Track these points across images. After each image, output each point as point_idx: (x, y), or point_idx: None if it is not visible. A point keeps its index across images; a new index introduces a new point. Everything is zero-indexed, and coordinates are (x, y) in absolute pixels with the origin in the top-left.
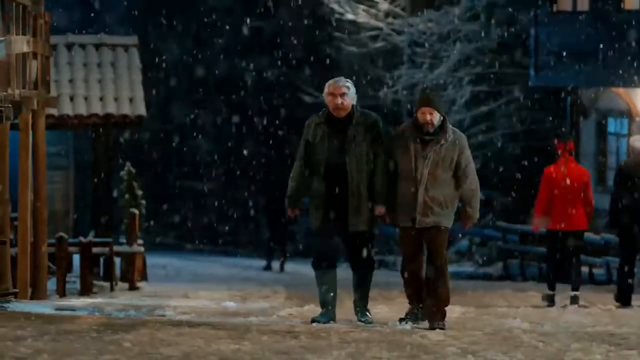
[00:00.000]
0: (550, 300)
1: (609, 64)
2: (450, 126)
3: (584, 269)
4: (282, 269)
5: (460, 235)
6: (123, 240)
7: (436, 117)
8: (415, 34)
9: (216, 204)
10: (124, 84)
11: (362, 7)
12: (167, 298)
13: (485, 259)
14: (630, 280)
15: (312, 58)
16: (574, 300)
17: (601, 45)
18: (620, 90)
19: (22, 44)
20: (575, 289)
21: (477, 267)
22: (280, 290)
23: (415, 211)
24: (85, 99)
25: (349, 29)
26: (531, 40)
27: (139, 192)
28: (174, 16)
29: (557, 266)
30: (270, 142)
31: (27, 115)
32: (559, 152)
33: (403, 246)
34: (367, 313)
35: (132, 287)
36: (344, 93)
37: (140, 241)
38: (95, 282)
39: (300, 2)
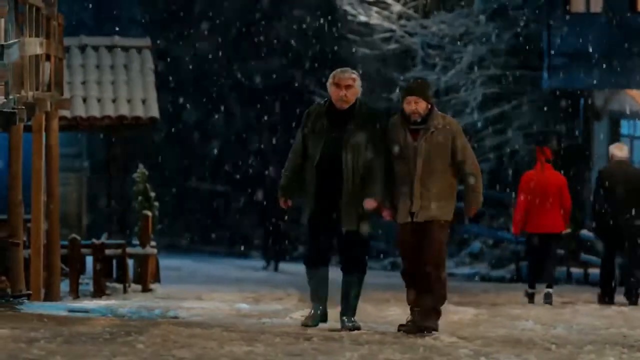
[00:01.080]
0: (531, 298)
1: (623, 66)
2: (440, 113)
3: (597, 271)
4: (276, 268)
5: (466, 235)
6: (136, 242)
7: (422, 106)
8: (428, 36)
9: (230, 205)
10: (137, 86)
11: (375, 9)
12: (180, 300)
13: (497, 261)
14: (612, 283)
15: (324, 60)
16: (547, 297)
17: (615, 47)
18: (634, 92)
19: (35, 45)
20: (549, 286)
21: (490, 269)
22: (293, 292)
23: (412, 205)
24: (98, 100)
25: (362, 31)
26: (544, 41)
27: (152, 194)
28: (187, 17)
29: (536, 266)
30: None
31: (41, 117)
32: (537, 158)
33: (402, 246)
34: (354, 318)
35: (145, 289)
36: (349, 85)
37: (153, 243)
38: (108, 283)
39: (313, 4)
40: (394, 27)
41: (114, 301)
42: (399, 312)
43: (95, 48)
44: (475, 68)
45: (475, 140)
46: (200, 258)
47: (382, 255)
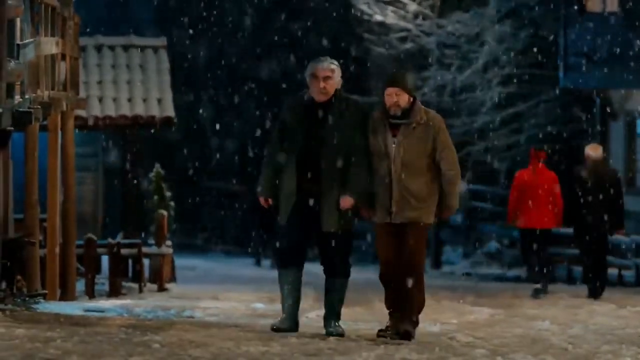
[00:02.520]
0: (537, 293)
1: (639, 65)
2: (423, 107)
3: (613, 271)
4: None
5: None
6: (152, 241)
7: (404, 99)
8: (444, 36)
9: (245, 205)
10: (153, 86)
11: (390, 8)
12: (196, 299)
13: (513, 260)
14: (597, 282)
15: (340, 59)
16: (537, 292)
17: (631, 46)
18: None
19: (51, 45)
20: (537, 282)
21: (506, 269)
22: (308, 292)
23: (391, 205)
24: (114, 100)
25: (378, 30)
26: (560, 41)
27: (168, 194)
28: (202, 17)
29: (534, 260)
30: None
31: (56, 117)
32: (531, 160)
33: (380, 247)
34: (339, 324)
35: (161, 289)
36: (328, 76)
37: (169, 242)
38: (123, 283)
39: (328, 3)
40: (409, 26)
41: (130, 301)
42: None
43: (111, 47)
44: (492, 68)
45: (491, 140)
46: (216, 257)
47: None
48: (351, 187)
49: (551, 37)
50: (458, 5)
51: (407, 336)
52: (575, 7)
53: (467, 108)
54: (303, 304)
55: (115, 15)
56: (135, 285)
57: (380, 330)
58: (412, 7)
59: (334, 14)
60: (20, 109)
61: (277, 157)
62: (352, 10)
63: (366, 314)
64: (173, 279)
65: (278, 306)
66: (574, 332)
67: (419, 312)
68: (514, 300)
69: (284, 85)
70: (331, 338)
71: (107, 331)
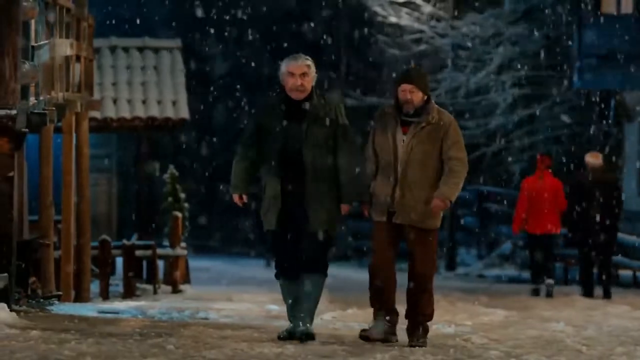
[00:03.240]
0: (536, 293)
1: None
2: (437, 107)
3: (628, 273)
4: None
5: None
6: (166, 243)
7: (418, 96)
8: (459, 37)
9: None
10: (167, 87)
11: (405, 10)
12: (210, 301)
13: (527, 262)
14: (592, 283)
15: (355, 61)
16: (550, 287)
17: None
18: None
19: (65, 47)
20: (550, 277)
21: (520, 270)
22: (323, 293)
23: (392, 205)
24: (129, 102)
25: (392, 31)
26: (575, 42)
27: (182, 195)
28: (217, 19)
29: (537, 263)
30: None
31: (71, 118)
32: (538, 166)
33: (375, 241)
34: (309, 325)
35: (175, 290)
36: (305, 73)
37: (183, 244)
38: (138, 285)
39: (343, 5)
40: (424, 28)
41: (144, 302)
42: None
43: (126, 49)
44: (506, 69)
45: (506, 142)
46: (230, 259)
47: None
48: (347, 193)
49: (565, 39)
50: (472, 6)
51: (422, 344)
52: (590, 9)
53: (481, 110)
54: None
55: (130, 17)
56: (149, 287)
57: (362, 330)
58: (427, 8)
59: (349, 16)
60: (35, 111)
61: (248, 154)
62: (367, 12)
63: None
64: (187, 280)
65: None
66: (588, 333)
67: (429, 320)
68: (529, 302)
69: None
70: (345, 340)
71: (122, 332)
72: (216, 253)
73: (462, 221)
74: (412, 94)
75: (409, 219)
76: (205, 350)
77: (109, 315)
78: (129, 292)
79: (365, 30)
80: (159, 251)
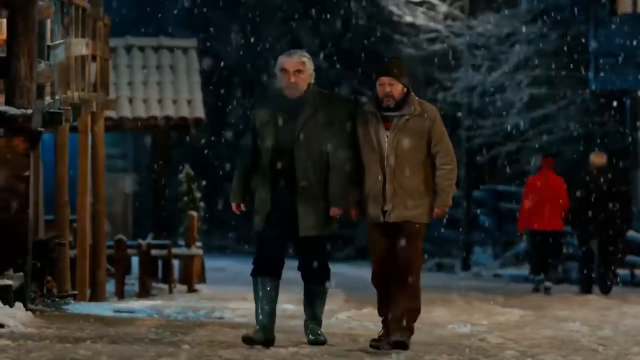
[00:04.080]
0: (538, 286)
1: None
2: (417, 98)
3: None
4: None
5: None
6: (181, 242)
7: (398, 89)
8: (474, 37)
9: None
10: (183, 87)
11: (420, 9)
12: (226, 300)
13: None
14: (590, 280)
15: (370, 60)
16: (547, 290)
17: None
18: None
19: (81, 46)
20: (549, 279)
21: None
22: (338, 292)
23: (384, 203)
24: (144, 101)
25: (408, 31)
26: (591, 42)
27: (198, 195)
28: (233, 18)
29: (539, 259)
30: None
31: (87, 118)
32: (542, 166)
33: (372, 249)
34: (320, 332)
35: (191, 290)
36: (299, 70)
37: (198, 243)
38: (153, 284)
39: (359, 4)
40: (439, 27)
41: (160, 302)
42: (444, 313)
43: (141, 48)
44: (522, 69)
45: (521, 141)
46: (245, 259)
47: (426, 256)
48: (338, 195)
49: (582, 39)
50: (488, 6)
51: (401, 346)
52: (606, 9)
53: (496, 109)
54: (332, 305)
55: (146, 16)
56: (165, 286)
57: (373, 340)
58: (443, 8)
59: (364, 14)
60: (51, 110)
61: (247, 161)
62: (382, 11)
63: None
64: (203, 280)
65: None
66: (604, 333)
67: (414, 320)
68: (544, 302)
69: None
70: (360, 339)
71: (137, 332)
72: (231, 253)
73: (477, 221)
74: (391, 87)
75: (402, 215)
76: (220, 350)
77: (124, 315)
78: (144, 292)
79: (381, 29)
80: (175, 250)
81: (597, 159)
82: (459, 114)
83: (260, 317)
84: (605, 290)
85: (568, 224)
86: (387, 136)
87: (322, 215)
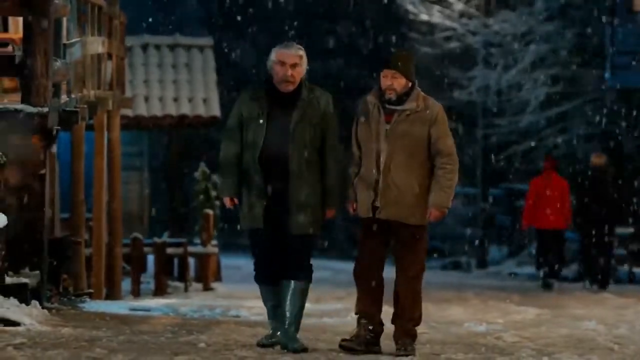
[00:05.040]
0: (545, 285)
1: None
2: (423, 94)
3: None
4: None
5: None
6: (197, 241)
7: (401, 83)
8: (490, 35)
9: None
10: (199, 85)
11: (436, 7)
12: (242, 299)
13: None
14: (597, 275)
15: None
16: (549, 286)
17: None
18: None
19: (97, 45)
20: (551, 276)
21: None
22: (354, 291)
23: (376, 198)
24: (160, 99)
25: (424, 29)
26: (607, 40)
27: (214, 193)
28: (249, 17)
29: (545, 257)
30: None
31: (102, 116)
32: (545, 166)
33: (361, 243)
34: (299, 338)
35: (207, 288)
36: (296, 63)
37: (214, 242)
38: (169, 282)
39: (374, 3)
40: (455, 25)
41: (175, 300)
42: (460, 312)
43: (157, 47)
44: (538, 67)
45: (537, 140)
46: None
47: (435, 255)
48: (332, 196)
49: (598, 37)
50: (504, 4)
51: (408, 355)
52: (623, 7)
53: (512, 108)
54: (348, 304)
55: (162, 14)
56: (180, 285)
57: (343, 340)
58: (458, 6)
59: (379, 14)
60: (67, 109)
61: (237, 152)
62: (398, 10)
63: None
64: (218, 278)
65: (323, 306)
66: (620, 332)
67: (416, 325)
68: (560, 300)
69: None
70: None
71: (153, 330)
72: (247, 251)
73: (493, 219)
74: (394, 80)
75: (394, 213)
76: (236, 349)
77: (140, 313)
78: (160, 290)
79: (397, 27)
80: (190, 249)
81: (597, 159)
82: (475, 112)
83: (272, 322)
84: (604, 285)
85: (572, 223)
86: (386, 130)
87: (313, 214)
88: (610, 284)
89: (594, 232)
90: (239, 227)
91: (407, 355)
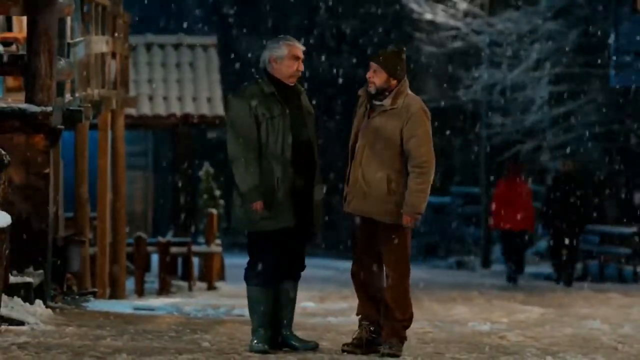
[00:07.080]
0: (510, 282)
1: None
2: (409, 93)
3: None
4: None
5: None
6: (201, 240)
7: (381, 77)
8: (494, 34)
9: None
10: (203, 84)
11: (441, 6)
12: (246, 298)
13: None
14: (567, 273)
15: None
16: (514, 280)
17: None
18: None
19: (101, 44)
20: (517, 272)
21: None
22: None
23: (350, 192)
24: (164, 99)
25: (428, 28)
26: (611, 39)
27: (218, 192)
28: (254, 16)
29: (509, 254)
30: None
31: (106, 115)
32: (510, 171)
33: (353, 241)
34: (297, 337)
35: (211, 287)
36: (303, 58)
37: (218, 241)
38: (173, 281)
39: (379, 2)
40: (459, 25)
41: (179, 299)
42: (466, 311)
43: (161, 46)
44: (542, 66)
45: (542, 139)
46: None
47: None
48: (319, 192)
49: (602, 36)
50: (508, 3)
51: (394, 357)
52: (627, 6)
53: (516, 107)
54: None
55: (166, 14)
56: (184, 284)
57: (344, 345)
58: (463, 5)
59: (384, 13)
60: (71, 108)
61: (257, 154)
62: (403, 9)
63: (415, 312)
64: (222, 277)
65: (328, 305)
66: (624, 331)
67: (406, 328)
68: (565, 300)
69: (332, 85)
70: None
71: (157, 329)
72: None
73: None
74: (374, 74)
75: (360, 208)
76: (240, 348)
77: (144, 312)
78: (164, 289)
79: (401, 26)
80: (194, 248)
81: (564, 167)
82: (480, 111)
83: (261, 330)
84: (568, 283)
85: (539, 223)
86: (365, 125)
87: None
88: (588, 282)
89: (562, 235)
90: (246, 230)
91: (391, 356)
